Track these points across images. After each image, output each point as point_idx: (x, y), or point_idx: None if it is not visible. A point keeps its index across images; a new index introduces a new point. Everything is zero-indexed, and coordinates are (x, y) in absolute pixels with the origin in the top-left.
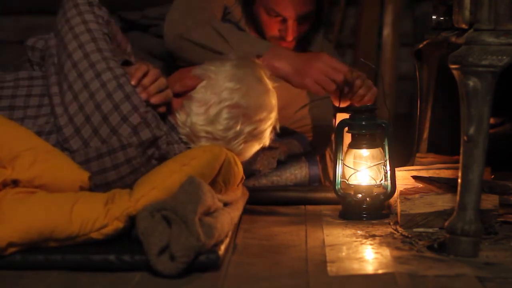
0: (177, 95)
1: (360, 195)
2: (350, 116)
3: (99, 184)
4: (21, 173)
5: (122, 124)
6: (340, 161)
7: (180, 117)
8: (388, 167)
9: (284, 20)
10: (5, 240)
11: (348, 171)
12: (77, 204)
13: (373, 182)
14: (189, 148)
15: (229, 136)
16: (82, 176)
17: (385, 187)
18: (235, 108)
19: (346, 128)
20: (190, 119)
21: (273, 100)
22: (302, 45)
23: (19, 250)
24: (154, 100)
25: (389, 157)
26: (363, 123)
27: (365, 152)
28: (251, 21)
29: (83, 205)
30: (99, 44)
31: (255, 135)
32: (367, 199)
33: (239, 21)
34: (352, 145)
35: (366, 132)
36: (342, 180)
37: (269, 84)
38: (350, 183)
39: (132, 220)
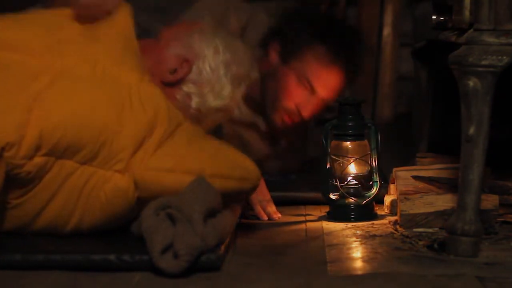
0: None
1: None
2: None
3: None
4: None
5: None
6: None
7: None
8: (374, 164)
9: (312, 93)
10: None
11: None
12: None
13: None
14: None
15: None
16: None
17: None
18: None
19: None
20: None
21: None
22: None
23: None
24: None
25: (377, 157)
26: (350, 124)
27: (349, 145)
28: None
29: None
30: None
31: None
32: (352, 199)
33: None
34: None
35: (352, 133)
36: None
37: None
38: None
39: (133, 212)
